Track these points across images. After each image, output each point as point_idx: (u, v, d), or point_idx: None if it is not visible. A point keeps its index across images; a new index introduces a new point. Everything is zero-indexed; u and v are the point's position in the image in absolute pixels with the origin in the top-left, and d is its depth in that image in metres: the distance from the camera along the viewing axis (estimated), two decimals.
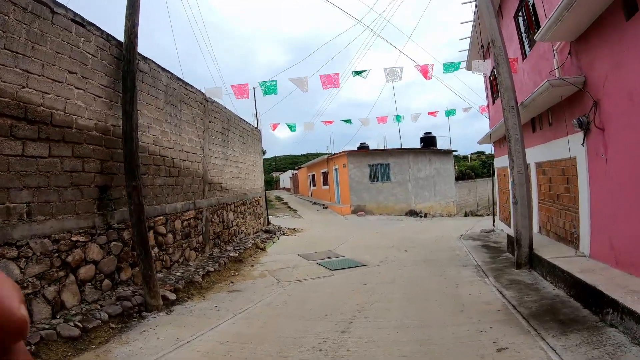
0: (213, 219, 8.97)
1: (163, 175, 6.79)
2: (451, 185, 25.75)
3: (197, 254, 7.98)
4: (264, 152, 37.27)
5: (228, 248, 9.18)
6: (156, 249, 6.51)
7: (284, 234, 14.08)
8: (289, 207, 27.10)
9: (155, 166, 6.58)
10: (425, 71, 8.17)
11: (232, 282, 7.07)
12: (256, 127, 14.11)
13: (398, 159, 22.17)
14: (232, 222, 10.26)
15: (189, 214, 7.69)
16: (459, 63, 8.41)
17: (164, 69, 7.05)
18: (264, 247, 10.62)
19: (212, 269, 7.31)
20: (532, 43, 7.21)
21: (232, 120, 10.77)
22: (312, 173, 31.63)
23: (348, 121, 13.89)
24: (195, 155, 8.06)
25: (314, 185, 31.46)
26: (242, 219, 11.35)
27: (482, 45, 9.62)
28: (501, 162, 11.84)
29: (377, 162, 22.02)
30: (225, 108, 10.23)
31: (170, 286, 5.98)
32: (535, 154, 7.63)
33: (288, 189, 47.81)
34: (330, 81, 8.08)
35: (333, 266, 7.97)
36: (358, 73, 8.08)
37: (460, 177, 28.63)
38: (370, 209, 21.40)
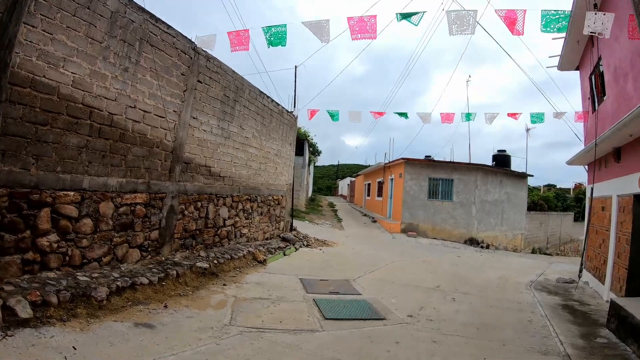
0: (187, 212, 6.81)
1: (85, 133, 4.74)
2: (521, 216, 21.74)
3: (143, 255, 5.85)
4: (318, 153, 35.26)
5: (202, 254, 6.95)
6: (53, 236, 4.45)
7: (307, 245, 11.63)
8: (335, 215, 24.70)
9: (70, 118, 4.54)
10: (512, 22, 5.26)
11: (166, 306, 4.78)
12: (289, 112, 11.87)
13: (464, 175, 18.61)
14: (223, 220, 8.05)
15: (135, 197, 5.58)
16: (568, 16, 5.36)
17: None
18: (264, 260, 8.26)
19: (147, 281, 5.08)
20: None
21: (245, 91, 8.60)
22: (368, 182, 28.82)
23: (404, 115, 11.09)
24: (161, 119, 5.96)
25: (368, 195, 28.63)
26: (246, 219, 9.11)
27: (595, 4, 6.44)
28: (601, 190, 8.25)
29: (438, 176, 18.65)
30: (235, 72, 8.10)
31: (37, 296, 3.84)
32: None
33: (345, 197, 46.08)
34: (364, 28, 5.52)
35: (332, 311, 5.31)
36: (405, 17, 5.41)
37: (532, 207, 24.78)
38: (424, 229, 18.08)
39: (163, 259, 6.15)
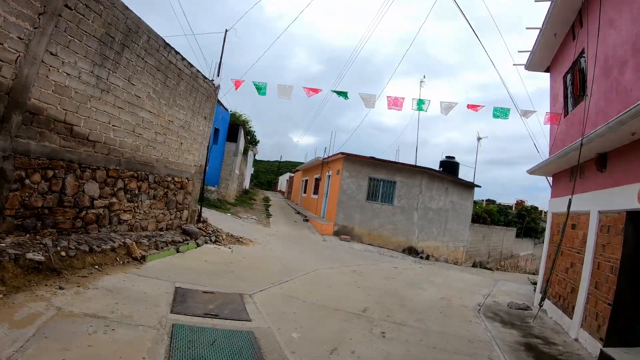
0: (30, 182, 5.48)
1: None
2: (465, 227, 22.65)
3: None
4: (255, 142, 33.93)
5: (47, 241, 5.64)
6: None
7: (215, 241, 10.55)
8: (266, 210, 23.79)
9: None
10: None
11: None
12: (208, 79, 10.66)
13: (408, 179, 18.57)
14: (91, 199, 6.75)
15: None
16: None
17: None
18: (143, 257, 7.06)
19: None
20: None
21: (142, 36, 7.33)
22: (306, 178, 28.21)
23: (343, 94, 10.38)
24: None
25: (304, 192, 28.02)
26: (130, 202, 7.84)
27: None
28: (573, 204, 7.84)
29: (380, 176, 18.42)
30: (128, 9, 6.83)
31: None
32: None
33: (283, 193, 45.67)
34: None
35: (188, 352, 3.87)
36: None
37: (475, 219, 26.36)
38: (359, 234, 17.73)
39: None
